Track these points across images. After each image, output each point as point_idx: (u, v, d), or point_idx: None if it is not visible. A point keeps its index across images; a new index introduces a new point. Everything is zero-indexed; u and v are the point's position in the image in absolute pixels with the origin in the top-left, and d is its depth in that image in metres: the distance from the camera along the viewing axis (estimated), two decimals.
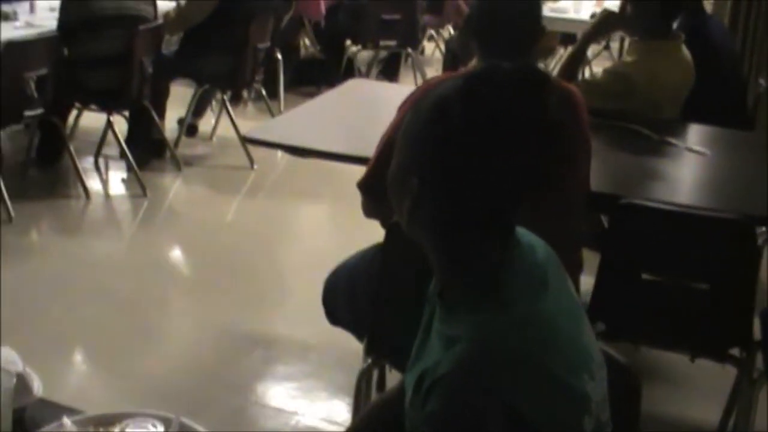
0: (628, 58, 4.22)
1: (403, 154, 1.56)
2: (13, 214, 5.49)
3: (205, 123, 7.37)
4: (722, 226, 3.04)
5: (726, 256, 3.06)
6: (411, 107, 1.62)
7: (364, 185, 2.91)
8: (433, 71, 9.24)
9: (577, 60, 4.17)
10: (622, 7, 4.17)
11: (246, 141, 3.91)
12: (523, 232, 1.60)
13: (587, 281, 3.11)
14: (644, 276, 3.13)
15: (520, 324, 1.46)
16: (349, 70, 8.55)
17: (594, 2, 8.21)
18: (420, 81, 8.80)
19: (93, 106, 6.30)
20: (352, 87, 4.91)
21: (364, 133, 3.44)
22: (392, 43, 8.54)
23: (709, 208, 3.20)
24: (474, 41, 2.97)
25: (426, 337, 1.63)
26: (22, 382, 1.75)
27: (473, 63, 2.96)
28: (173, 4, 6.78)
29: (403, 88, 3.98)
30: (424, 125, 1.52)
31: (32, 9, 6.63)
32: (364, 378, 3.07)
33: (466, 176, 1.47)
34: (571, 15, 7.80)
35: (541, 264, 1.57)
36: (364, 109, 4.34)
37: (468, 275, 1.54)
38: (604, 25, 4.30)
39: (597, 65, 8.60)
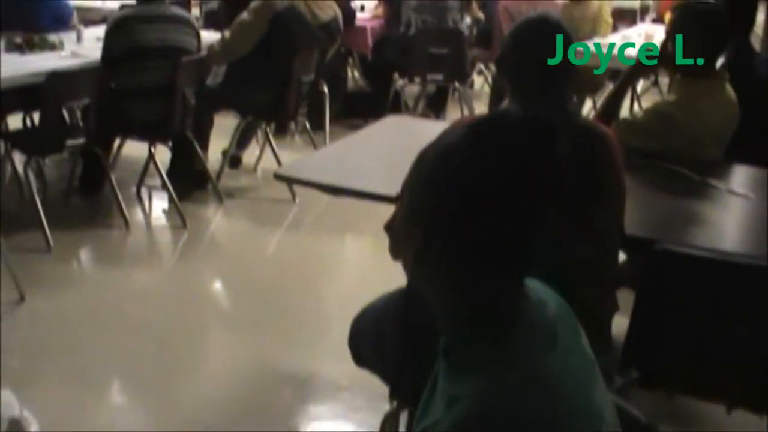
0: (670, 97, 4.13)
1: (407, 203, 1.51)
2: (52, 242, 5.50)
3: (250, 154, 7.36)
4: (764, 274, 2.94)
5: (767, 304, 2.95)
6: (417, 156, 1.56)
7: (390, 227, 2.84)
8: (482, 105, 9.20)
9: (617, 101, 4.08)
10: (664, 45, 4.08)
11: (276, 178, 3.85)
12: (534, 287, 1.53)
13: (624, 322, 3.03)
14: (680, 323, 3.03)
15: (523, 383, 1.38)
16: (396, 104, 8.51)
17: (642, 37, 8.12)
18: (466, 114, 8.76)
19: (135, 137, 6.32)
20: (391, 123, 4.84)
21: (400, 172, 3.38)
22: (439, 77, 8.48)
23: (751, 255, 3.09)
24: (506, 80, 2.93)
25: (431, 394, 1.57)
26: (16, 427, 1.70)
27: (505, 103, 2.91)
28: (218, 36, 6.79)
29: (443, 126, 3.92)
30: (428, 174, 1.46)
31: (79, 38, 6.70)
32: (388, 422, 3.02)
33: (470, 227, 1.41)
34: None
35: (550, 320, 1.50)
36: (402, 146, 4.24)
37: (472, 331, 1.47)
38: (645, 64, 4.21)
39: (646, 101, 8.53)
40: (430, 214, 1.44)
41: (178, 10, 6.29)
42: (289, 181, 3.94)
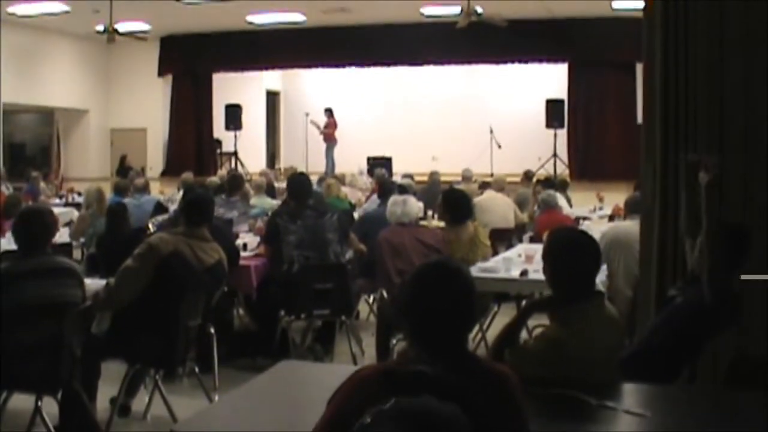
0: (556, 323, 4.23)
1: None
2: None
3: (140, 401, 7.18)
4: None
5: None
6: None
7: None
8: (369, 335, 9.19)
9: (513, 333, 4.21)
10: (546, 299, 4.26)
11: None
12: None
13: None
14: None
15: None
16: (283, 341, 8.46)
17: (523, 258, 8.33)
18: (355, 348, 8.79)
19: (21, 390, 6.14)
20: (284, 370, 4.75)
21: (298, 421, 3.38)
22: (325, 312, 8.50)
23: None
24: (407, 325, 2.98)
25: None
26: None
27: (403, 345, 2.97)
28: (102, 283, 6.74)
29: (335, 370, 3.92)
30: None
31: None
32: None
33: None
34: (502, 274, 7.89)
35: None
36: (297, 393, 4.30)
37: None
38: (526, 315, 4.37)
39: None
40: None
41: (60, 261, 6.20)
42: None
